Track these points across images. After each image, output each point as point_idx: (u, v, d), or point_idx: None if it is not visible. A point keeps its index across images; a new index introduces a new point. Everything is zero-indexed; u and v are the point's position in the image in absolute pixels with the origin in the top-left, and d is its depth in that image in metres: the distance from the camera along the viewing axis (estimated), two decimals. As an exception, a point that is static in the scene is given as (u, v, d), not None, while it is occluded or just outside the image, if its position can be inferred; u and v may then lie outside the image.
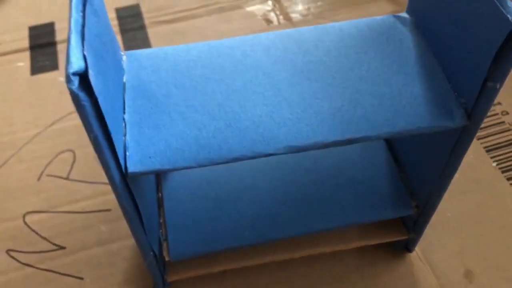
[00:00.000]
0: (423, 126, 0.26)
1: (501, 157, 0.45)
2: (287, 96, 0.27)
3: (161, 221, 0.34)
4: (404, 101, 0.27)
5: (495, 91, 0.24)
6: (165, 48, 0.30)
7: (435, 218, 0.41)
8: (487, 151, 0.46)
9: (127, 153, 0.25)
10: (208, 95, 0.27)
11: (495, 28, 0.22)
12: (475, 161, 0.45)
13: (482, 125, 0.47)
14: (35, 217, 0.42)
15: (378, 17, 0.31)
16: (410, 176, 0.35)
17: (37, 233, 0.41)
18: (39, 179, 0.44)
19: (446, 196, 0.43)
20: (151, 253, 0.31)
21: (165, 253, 0.33)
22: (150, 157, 0.25)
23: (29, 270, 0.39)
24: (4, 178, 0.44)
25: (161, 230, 0.34)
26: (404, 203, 0.35)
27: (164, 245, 0.33)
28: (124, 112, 0.26)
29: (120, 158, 0.24)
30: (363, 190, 0.35)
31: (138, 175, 0.25)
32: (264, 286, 0.38)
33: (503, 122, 0.48)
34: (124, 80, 0.28)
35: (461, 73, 0.26)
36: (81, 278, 0.38)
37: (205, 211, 0.35)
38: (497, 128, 0.47)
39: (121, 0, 0.60)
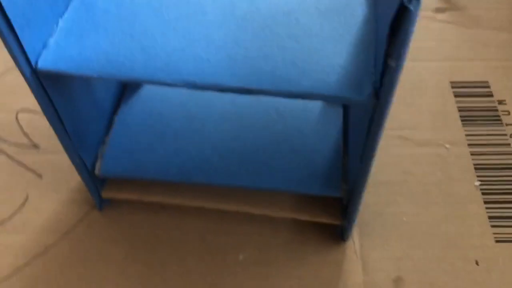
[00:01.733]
0: (325, 94, 0.25)
1: (488, 178, 0.41)
2: (210, 36, 0.27)
3: (106, 139, 0.37)
4: (320, 67, 0.26)
5: (393, 70, 0.23)
6: None
7: (390, 219, 0.40)
8: (475, 169, 0.42)
9: (43, 51, 0.27)
10: (140, 20, 0.28)
11: (393, 4, 0.21)
12: (459, 175, 0.42)
13: (481, 142, 0.44)
14: (27, 115, 0.46)
15: None
16: (350, 159, 0.34)
17: (22, 129, 0.45)
18: (43, 85, 0.48)
19: (411, 201, 0.41)
20: (78, 160, 0.33)
21: (97, 167, 0.35)
22: (61, 59, 0.27)
23: (2, 157, 0.43)
24: (13, 78, 0.48)
25: (103, 146, 0.36)
26: (333, 184, 0.34)
27: (99, 159, 0.36)
28: (61, 17, 0.28)
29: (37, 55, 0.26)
30: (301, 161, 0.35)
31: (48, 73, 0.27)
32: (194, 230, 0.39)
33: (508, 145, 0.44)
34: None
35: (380, 51, 0.25)
36: (40, 176, 0.42)
37: (147, 141, 0.36)
38: (498, 149, 0.43)
39: None
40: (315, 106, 0.37)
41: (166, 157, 0.35)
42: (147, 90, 0.39)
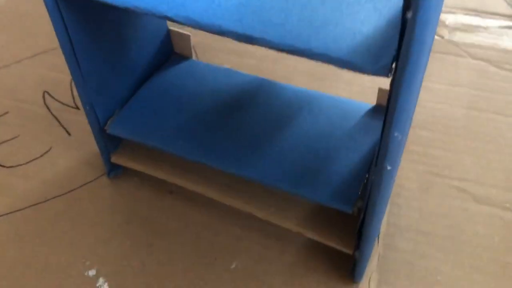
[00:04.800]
0: (333, 56, 0.21)
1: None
2: None
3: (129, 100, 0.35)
4: (338, 30, 0.22)
5: (411, 26, 0.18)
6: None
7: (420, 273, 0.33)
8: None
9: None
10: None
11: None
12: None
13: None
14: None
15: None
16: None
17: (72, 91, 0.45)
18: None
19: (452, 260, 0.34)
20: (89, 109, 0.32)
21: (108, 123, 0.34)
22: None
23: (43, 110, 0.44)
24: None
25: (121, 107, 0.35)
26: (348, 198, 0.28)
27: (113, 117, 0.34)
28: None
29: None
30: (318, 165, 0.30)
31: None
32: (193, 224, 0.35)
33: None
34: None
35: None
36: (69, 134, 0.41)
37: (165, 111, 0.34)
38: None
39: None
40: (353, 113, 0.33)
41: (177, 130, 0.33)
42: (183, 65, 0.37)
